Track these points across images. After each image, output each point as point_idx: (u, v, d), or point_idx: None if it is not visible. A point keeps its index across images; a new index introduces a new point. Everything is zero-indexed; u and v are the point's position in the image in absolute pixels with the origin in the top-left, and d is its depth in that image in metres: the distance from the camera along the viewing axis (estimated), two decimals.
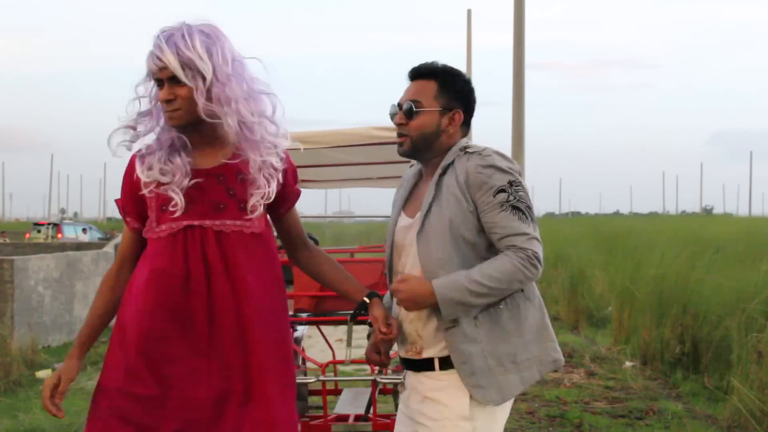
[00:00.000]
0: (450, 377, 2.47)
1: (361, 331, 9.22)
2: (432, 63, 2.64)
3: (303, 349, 5.33)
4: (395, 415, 5.27)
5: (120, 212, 2.45)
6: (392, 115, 2.64)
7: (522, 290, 2.48)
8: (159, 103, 2.33)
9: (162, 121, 2.37)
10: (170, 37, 2.28)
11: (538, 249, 2.40)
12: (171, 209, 2.32)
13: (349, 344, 5.21)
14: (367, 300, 2.55)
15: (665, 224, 26.20)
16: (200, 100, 2.28)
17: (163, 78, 2.29)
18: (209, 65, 2.28)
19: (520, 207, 2.42)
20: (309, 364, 5.42)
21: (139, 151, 2.39)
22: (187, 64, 2.26)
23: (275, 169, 2.41)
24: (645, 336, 8.39)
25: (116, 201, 2.45)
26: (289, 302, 5.50)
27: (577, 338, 10.37)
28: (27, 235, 26.12)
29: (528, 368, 2.48)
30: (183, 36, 2.27)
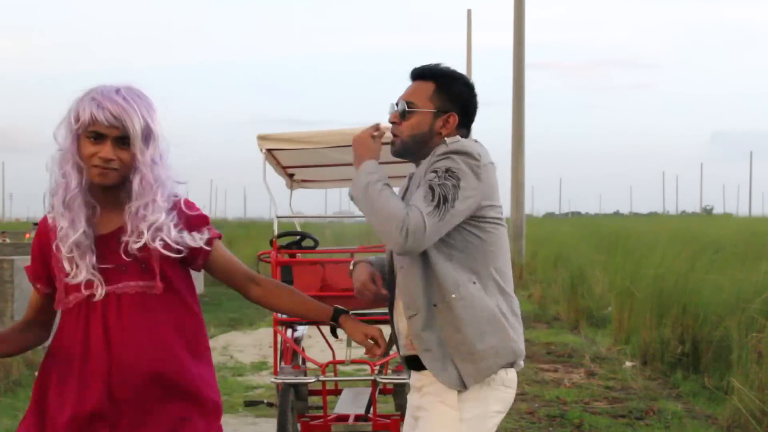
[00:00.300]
0: None
1: None
2: (434, 65, 2.63)
3: (303, 349, 5.33)
4: (395, 415, 5.30)
5: (30, 279, 2.36)
6: (389, 114, 2.64)
7: (474, 282, 2.47)
8: (80, 159, 2.24)
9: (76, 181, 2.26)
10: (130, 95, 2.23)
11: (414, 222, 2.34)
12: (81, 288, 2.25)
13: (349, 344, 5.21)
14: (334, 323, 2.56)
15: (665, 224, 26.18)
16: (142, 166, 2.25)
17: (108, 135, 2.22)
18: (162, 138, 2.28)
19: (435, 189, 2.39)
20: (309, 364, 5.42)
21: (50, 213, 2.31)
22: (144, 129, 2.23)
23: (159, 230, 2.28)
24: (645, 336, 8.39)
25: (26, 268, 2.38)
26: None
27: (577, 338, 10.36)
28: (27, 235, 26.12)
29: (484, 359, 2.46)
30: (142, 97, 2.25)
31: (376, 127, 2.58)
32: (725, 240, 13.75)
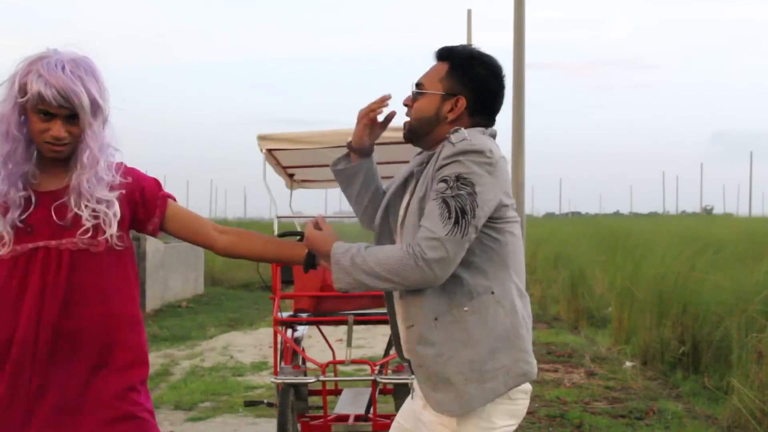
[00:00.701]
0: None
1: (361, 331, 9.24)
2: (460, 45, 2.44)
3: (303, 349, 5.33)
4: (395, 415, 5.29)
5: None
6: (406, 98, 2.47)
7: (493, 292, 2.28)
8: (25, 131, 2.26)
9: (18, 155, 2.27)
10: (76, 71, 2.23)
11: (432, 253, 2.17)
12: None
13: (349, 344, 5.21)
14: (309, 258, 2.52)
15: (665, 224, 26.17)
16: (89, 139, 2.27)
17: (58, 115, 2.23)
18: (107, 107, 2.29)
19: (449, 203, 2.19)
20: (309, 364, 5.42)
21: None
22: (91, 105, 2.25)
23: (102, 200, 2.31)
24: (645, 336, 8.39)
25: None
26: (289, 302, 5.50)
27: (577, 338, 10.36)
28: None
29: (493, 379, 2.26)
30: (87, 72, 2.25)
31: (315, 221, 2.47)
32: (725, 240, 13.73)
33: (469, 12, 31.65)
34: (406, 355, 2.42)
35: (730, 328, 7.05)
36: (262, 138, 5.48)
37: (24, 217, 2.27)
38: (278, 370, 5.13)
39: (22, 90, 2.23)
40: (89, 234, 2.29)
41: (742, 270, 8.45)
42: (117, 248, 2.33)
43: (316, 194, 8.62)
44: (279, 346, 5.34)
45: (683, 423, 6.09)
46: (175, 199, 2.50)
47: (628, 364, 8.31)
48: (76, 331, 2.28)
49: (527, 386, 2.39)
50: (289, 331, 5.33)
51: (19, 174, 2.28)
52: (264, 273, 5.61)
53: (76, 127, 2.26)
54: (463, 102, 2.37)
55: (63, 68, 2.22)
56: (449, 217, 2.18)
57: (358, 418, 5.21)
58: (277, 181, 6.55)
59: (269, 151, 5.63)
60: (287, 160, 6.15)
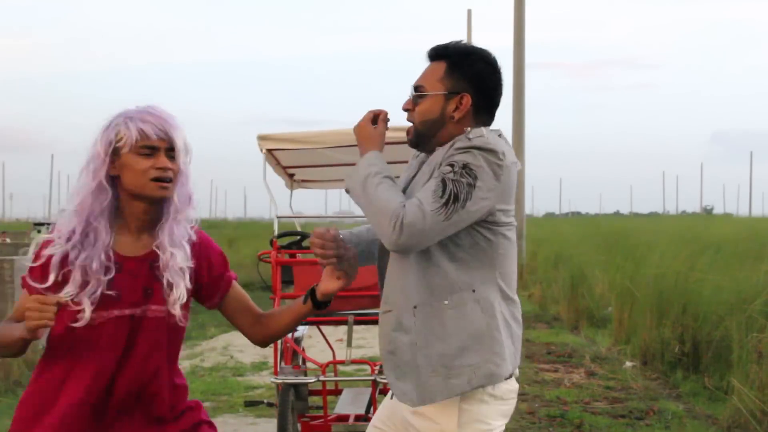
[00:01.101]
0: None
1: (361, 331, 9.24)
2: (452, 42, 2.40)
3: (303, 349, 5.33)
4: None
5: (27, 288, 2.26)
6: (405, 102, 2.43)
7: (474, 290, 2.27)
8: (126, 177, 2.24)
9: (100, 204, 2.24)
10: (163, 113, 2.27)
11: (411, 218, 2.15)
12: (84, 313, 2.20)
13: (349, 344, 5.21)
14: (315, 302, 2.47)
15: (665, 224, 26.17)
16: (183, 178, 2.30)
17: (160, 147, 2.24)
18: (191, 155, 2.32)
19: (447, 184, 2.17)
20: (309, 364, 5.42)
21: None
22: (185, 144, 2.29)
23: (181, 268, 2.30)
24: (645, 336, 8.39)
25: (26, 278, 2.26)
26: (290, 302, 5.50)
27: (577, 338, 10.36)
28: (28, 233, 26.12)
29: (458, 375, 2.25)
30: (170, 115, 2.29)
31: (376, 112, 2.38)
32: (725, 240, 13.73)
33: (469, 12, 31.70)
34: (380, 340, 2.38)
35: (730, 328, 7.05)
36: (262, 138, 5.47)
37: (108, 282, 2.23)
38: (278, 370, 5.13)
39: (119, 138, 2.23)
40: (167, 305, 2.28)
41: (742, 270, 8.45)
42: (180, 324, 2.33)
43: (316, 194, 8.62)
44: (279, 346, 5.34)
45: (683, 423, 6.09)
46: (237, 279, 2.50)
47: (628, 364, 8.31)
48: (151, 395, 2.29)
49: (515, 384, 2.39)
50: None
51: (107, 236, 2.25)
52: (264, 273, 5.61)
53: (174, 163, 2.26)
54: (468, 99, 2.34)
55: (147, 107, 2.27)
56: (441, 197, 2.17)
57: (358, 418, 5.21)
58: (277, 181, 6.56)
59: (269, 151, 5.63)
60: (287, 160, 6.15)
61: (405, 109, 2.40)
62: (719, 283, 8.04)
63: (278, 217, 5.68)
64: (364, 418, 5.19)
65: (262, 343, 2.57)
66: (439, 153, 2.33)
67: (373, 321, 5.38)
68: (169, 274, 2.26)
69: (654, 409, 6.49)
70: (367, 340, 9.56)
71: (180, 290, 2.27)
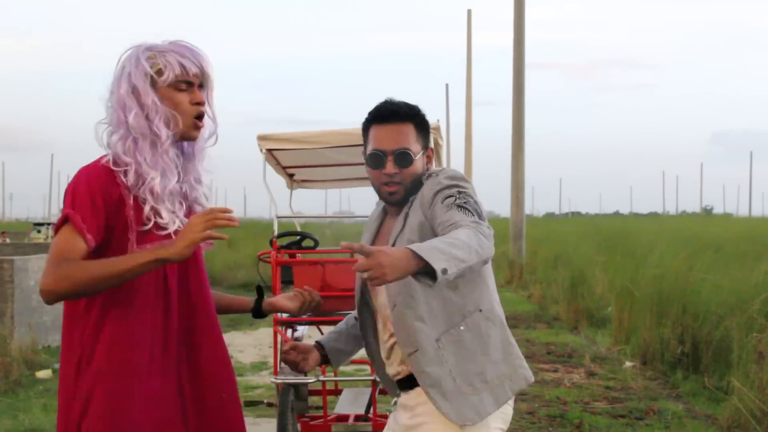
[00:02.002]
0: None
1: None
2: (399, 103, 2.56)
3: None
4: None
5: (79, 230, 2.12)
6: (377, 164, 2.50)
7: (481, 310, 2.42)
8: (171, 109, 2.23)
9: (165, 134, 2.23)
10: (201, 50, 2.29)
11: (486, 229, 2.25)
12: (160, 232, 2.19)
13: None
14: (257, 306, 2.58)
15: (665, 224, 26.20)
16: (209, 112, 2.32)
17: (194, 83, 2.26)
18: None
19: (467, 207, 2.33)
20: None
21: (111, 163, 2.20)
22: (212, 78, 2.32)
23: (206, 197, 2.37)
24: (645, 336, 8.39)
25: (72, 218, 2.13)
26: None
27: (577, 338, 10.36)
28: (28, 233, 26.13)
29: (499, 386, 2.42)
30: (207, 55, 2.30)
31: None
32: (725, 240, 13.75)
33: (469, 12, 31.75)
34: (418, 377, 2.44)
35: (730, 328, 7.05)
36: (262, 138, 5.48)
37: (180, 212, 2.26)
38: (278, 370, 5.13)
39: (160, 71, 2.22)
40: None
41: (741, 270, 8.45)
42: (207, 245, 2.35)
43: (316, 194, 8.62)
44: (279, 346, 5.35)
45: (683, 423, 6.09)
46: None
47: (628, 364, 8.31)
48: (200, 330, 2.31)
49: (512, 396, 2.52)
50: (289, 331, 5.33)
51: (175, 167, 2.25)
52: (264, 273, 5.61)
53: (203, 98, 2.28)
54: (431, 151, 2.61)
55: (178, 41, 2.27)
56: (473, 214, 2.31)
57: (358, 418, 5.21)
58: (277, 181, 6.56)
59: (269, 151, 5.63)
60: (287, 160, 6.15)
61: (389, 173, 2.50)
62: (719, 283, 8.04)
63: (278, 217, 5.68)
64: (364, 418, 5.19)
65: None
66: (416, 207, 2.46)
67: None
68: (197, 206, 2.32)
69: (654, 409, 6.49)
70: None
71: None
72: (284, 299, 2.59)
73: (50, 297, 2.09)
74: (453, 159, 41.71)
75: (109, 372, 2.15)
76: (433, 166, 2.61)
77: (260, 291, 2.62)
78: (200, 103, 2.26)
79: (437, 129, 5.40)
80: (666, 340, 7.98)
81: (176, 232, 2.19)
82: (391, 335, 2.51)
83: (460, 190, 2.38)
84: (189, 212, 2.31)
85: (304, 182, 6.93)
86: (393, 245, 2.43)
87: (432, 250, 2.06)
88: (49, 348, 9.44)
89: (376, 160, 2.51)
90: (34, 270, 9.68)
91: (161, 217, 2.19)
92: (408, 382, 2.50)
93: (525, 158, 19.66)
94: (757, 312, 6.64)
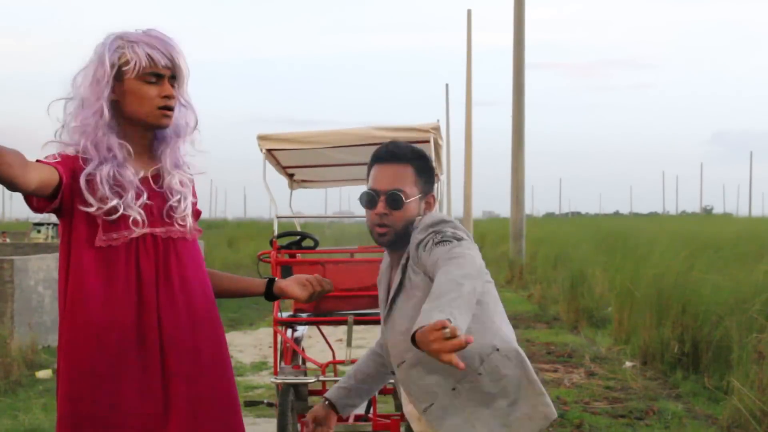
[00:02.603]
0: None
1: (361, 331, 9.24)
2: (402, 145, 2.54)
3: (303, 349, 5.33)
4: (395, 415, 5.30)
5: (51, 163, 2.14)
6: (369, 203, 2.49)
7: (498, 349, 2.37)
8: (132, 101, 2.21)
9: (104, 124, 2.20)
10: (172, 41, 2.25)
11: (458, 249, 2.19)
12: (129, 225, 2.20)
13: (349, 344, 5.21)
14: (269, 290, 2.57)
15: (665, 224, 26.20)
16: (182, 105, 2.31)
17: (164, 74, 2.22)
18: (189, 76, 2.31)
19: (444, 239, 2.26)
20: (309, 364, 5.42)
21: (79, 155, 2.21)
22: (186, 70, 2.28)
23: (190, 182, 2.36)
24: (645, 336, 8.39)
25: (48, 159, 2.16)
26: (289, 302, 5.50)
27: (577, 338, 10.36)
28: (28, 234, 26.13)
29: (520, 427, 2.38)
30: (179, 45, 2.27)
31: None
32: (725, 240, 13.75)
33: (469, 12, 31.70)
34: (438, 427, 2.42)
35: (730, 328, 7.05)
36: (262, 138, 5.47)
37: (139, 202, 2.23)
38: (278, 370, 5.13)
39: (126, 61, 2.20)
40: (184, 220, 2.30)
41: (741, 270, 8.45)
42: (195, 233, 2.36)
43: (316, 194, 8.63)
44: (279, 346, 5.35)
45: (683, 423, 6.09)
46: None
47: (628, 364, 8.31)
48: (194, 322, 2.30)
49: None
50: (289, 331, 5.33)
51: (120, 150, 2.22)
52: (264, 273, 5.61)
53: (175, 91, 2.26)
54: (434, 198, 2.55)
55: (150, 30, 2.24)
56: (450, 241, 2.24)
57: (358, 418, 5.21)
58: (277, 181, 6.55)
59: (269, 151, 5.63)
60: (287, 160, 6.15)
61: (380, 214, 2.47)
62: (719, 283, 8.04)
63: (278, 217, 5.68)
64: (364, 418, 5.19)
65: None
66: (411, 250, 2.41)
67: (373, 321, 5.39)
68: (174, 192, 2.30)
69: (654, 409, 6.49)
70: (367, 340, 9.56)
71: (187, 203, 2.32)
72: (295, 285, 2.54)
73: None
74: (453, 159, 41.73)
75: (69, 375, 2.29)
76: (436, 211, 2.54)
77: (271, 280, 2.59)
78: (168, 96, 2.23)
79: (437, 129, 5.40)
80: (666, 340, 7.98)
81: (124, 217, 2.20)
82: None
83: (436, 231, 2.32)
84: (162, 197, 2.29)
85: (304, 182, 6.93)
86: (393, 299, 2.43)
87: (425, 315, 1.97)
88: (49, 348, 9.44)
89: (368, 199, 2.50)
90: (34, 270, 9.67)
91: (102, 202, 2.18)
92: None
93: (525, 158, 19.66)
94: (757, 312, 6.64)
